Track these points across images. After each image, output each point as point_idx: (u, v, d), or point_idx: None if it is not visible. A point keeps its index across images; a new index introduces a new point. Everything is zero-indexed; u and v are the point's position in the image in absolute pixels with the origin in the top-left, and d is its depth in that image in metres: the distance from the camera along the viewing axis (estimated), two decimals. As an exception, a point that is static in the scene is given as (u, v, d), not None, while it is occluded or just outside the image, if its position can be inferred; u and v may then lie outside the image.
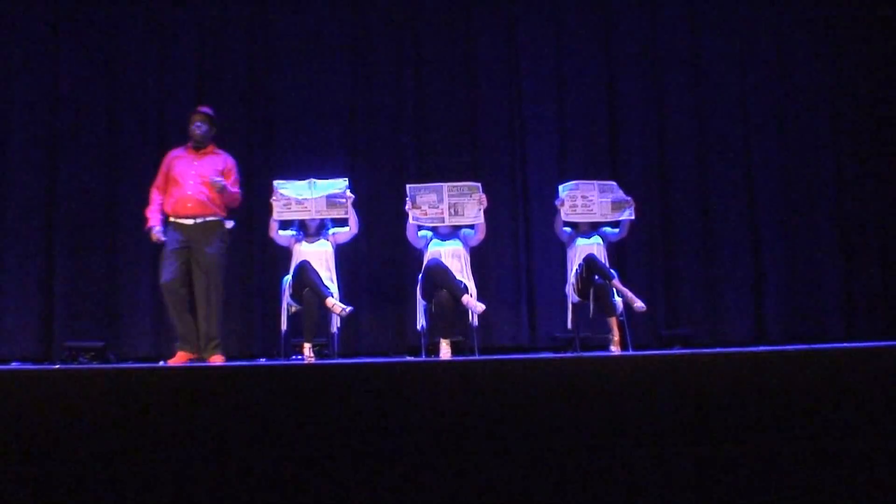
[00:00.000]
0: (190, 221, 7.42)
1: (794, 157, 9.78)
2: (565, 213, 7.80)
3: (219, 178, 7.42)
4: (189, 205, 7.41)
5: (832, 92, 9.85)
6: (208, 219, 7.46)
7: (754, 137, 9.78)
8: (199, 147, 7.58)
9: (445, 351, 7.28)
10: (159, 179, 7.58)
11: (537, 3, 9.95)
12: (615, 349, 7.55)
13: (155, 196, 7.54)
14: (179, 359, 7.36)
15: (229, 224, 7.61)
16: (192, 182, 7.44)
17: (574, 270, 7.84)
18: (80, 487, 4.33)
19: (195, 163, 7.52)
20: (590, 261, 7.69)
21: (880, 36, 9.90)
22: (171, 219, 7.46)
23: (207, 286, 7.42)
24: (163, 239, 7.42)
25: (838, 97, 9.84)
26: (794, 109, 9.84)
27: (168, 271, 7.38)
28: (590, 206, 7.82)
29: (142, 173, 9.21)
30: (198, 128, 7.58)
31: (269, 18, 9.77)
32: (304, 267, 7.39)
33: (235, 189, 7.62)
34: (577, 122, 9.78)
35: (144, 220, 7.56)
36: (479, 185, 7.63)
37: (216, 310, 7.46)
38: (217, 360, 7.33)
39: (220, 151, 7.72)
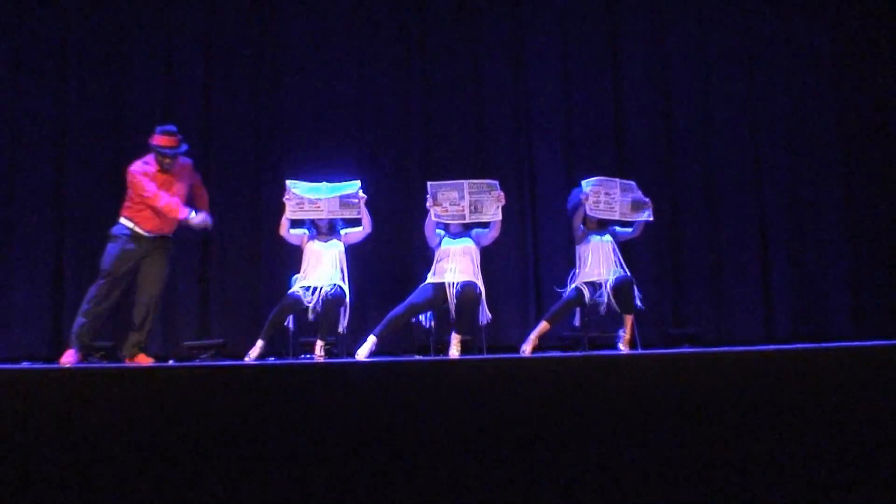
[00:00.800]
0: (150, 235, 7.51)
1: (802, 156, 9.77)
2: (589, 208, 7.78)
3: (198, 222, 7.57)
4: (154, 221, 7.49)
5: (840, 90, 9.84)
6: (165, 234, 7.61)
7: (761, 137, 9.78)
8: (168, 170, 7.55)
9: (456, 347, 7.29)
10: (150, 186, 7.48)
11: (544, 6, 9.95)
12: (624, 348, 7.55)
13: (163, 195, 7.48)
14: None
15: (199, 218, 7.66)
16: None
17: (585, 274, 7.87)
18: (89, 486, 4.34)
19: (166, 184, 7.52)
20: (620, 287, 7.72)
21: (888, 33, 9.89)
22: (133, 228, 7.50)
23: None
24: (209, 221, 7.66)
25: (846, 96, 9.83)
26: (802, 109, 9.83)
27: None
28: (612, 203, 7.82)
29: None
30: (169, 153, 7.51)
31: (276, 20, 9.79)
32: (332, 301, 7.52)
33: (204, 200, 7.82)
34: (584, 123, 9.79)
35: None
36: (497, 182, 7.65)
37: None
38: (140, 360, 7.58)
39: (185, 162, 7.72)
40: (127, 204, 7.49)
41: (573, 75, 9.86)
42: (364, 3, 9.84)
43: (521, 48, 9.87)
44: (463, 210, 7.57)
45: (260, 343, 7.40)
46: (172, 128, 7.59)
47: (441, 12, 9.87)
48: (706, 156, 9.73)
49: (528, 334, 7.69)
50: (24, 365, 7.72)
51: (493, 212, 7.58)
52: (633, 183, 7.98)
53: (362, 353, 7.26)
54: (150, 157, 7.51)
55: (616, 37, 9.93)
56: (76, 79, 9.54)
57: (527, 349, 7.60)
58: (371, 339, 7.35)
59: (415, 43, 9.81)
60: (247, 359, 7.35)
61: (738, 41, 9.90)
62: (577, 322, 7.92)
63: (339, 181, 7.74)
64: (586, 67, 9.88)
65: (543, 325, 7.68)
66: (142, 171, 7.46)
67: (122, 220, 7.48)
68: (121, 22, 9.65)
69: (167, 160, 7.46)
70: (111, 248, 7.43)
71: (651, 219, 7.94)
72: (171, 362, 8.17)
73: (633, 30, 9.93)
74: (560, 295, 7.97)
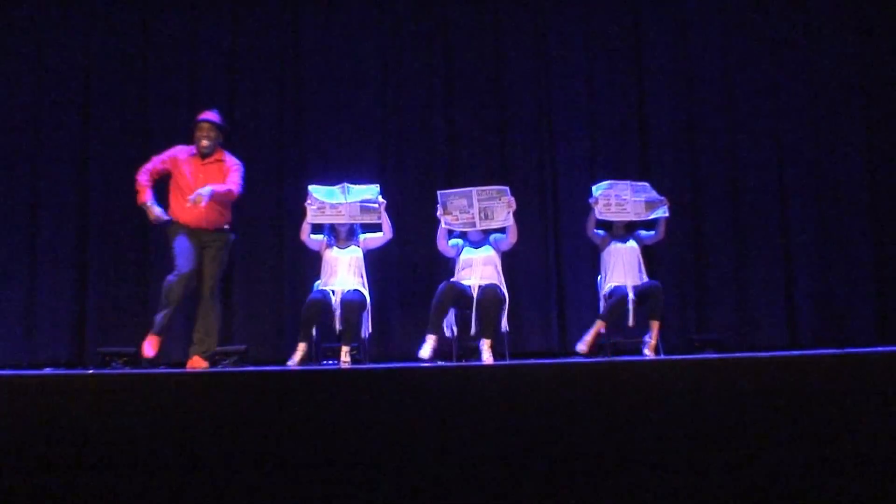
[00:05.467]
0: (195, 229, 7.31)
1: (826, 162, 9.71)
2: (599, 212, 7.81)
3: (196, 195, 7.12)
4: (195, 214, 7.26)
5: (864, 97, 9.77)
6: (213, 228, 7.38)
7: (785, 141, 9.72)
8: (206, 155, 7.42)
9: (487, 352, 7.27)
10: (156, 166, 7.40)
11: (567, 9, 9.93)
12: (650, 354, 7.53)
13: (145, 177, 7.36)
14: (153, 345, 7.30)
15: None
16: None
17: (609, 287, 7.85)
18: (112, 491, 4.35)
19: (201, 174, 7.35)
20: (648, 293, 7.71)
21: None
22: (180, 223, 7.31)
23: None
24: (164, 218, 7.30)
25: (871, 102, 9.76)
26: (826, 114, 9.77)
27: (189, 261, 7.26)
28: (623, 205, 7.83)
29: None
30: (205, 137, 7.41)
31: (300, 27, 9.81)
32: (352, 306, 7.50)
33: (224, 188, 7.36)
34: (607, 126, 9.76)
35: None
36: (507, 188, 7.64)
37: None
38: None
39: (226, 156, 7.55)
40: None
41: (597, 79, 9.84)
42: (387, 9, 9.84)
43: (544, 52, 9.85)
44: (472, 218, 7.58)
45: (302, 346, 7.40)
46: (207, 117, 7.54)
47: (464, 16, 9.86)
48: (730, 160, 9.68)
49: (584, 335, 7.68)
50: (47, 371, 7.74)
51: (503, 217, 7.59)
52: (646, 184, 7.99)
53: (426, 354, 7.25)
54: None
55: (640, 40, 9.89)
56: (100, 89, 9.59)
57: (583, 349, 7.60)
58: (431, 338, 7.33)
59: (437, 47, 9.80)
60: (290, 363, 7.35)
61: (763, 44, 9.85)
62: (601, 330, 7.90)
63: (363, 185, 7.75)
64: (610, 71, 9.85)
65: (599, 324, 7.66)
66: (176, 154, 7.48)
67: None
68: (145, 33, 9.70)
69: (199, 149, 7.44)
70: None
71: (667, 215, 7.94)
72: (91, 371, 8.16)
73: (656, 31, 9.88)
74: (586, 303, 7.98)
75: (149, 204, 7.27)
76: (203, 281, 7.33)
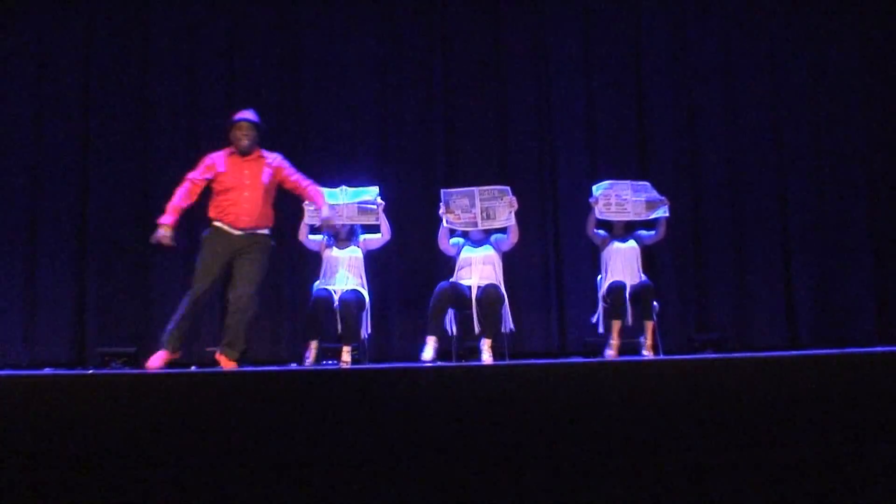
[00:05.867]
0: (239, 232, 7.09)
1: (826, 160, 9.72)
2: (599, 212, 7.82)
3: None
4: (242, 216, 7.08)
5: (865, 95, 9.79)
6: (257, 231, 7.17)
7: (785, 141, 9.73)
8: (245, 153, 7.23)
9: (487, 352, 7.28)
10: (196, 182, 7.20)
11: (565, 7, 9.93)
12: (648, 353, 7.53)
13: (184, 200, 7.18)
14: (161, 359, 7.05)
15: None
16: (247, 193, 7.10)
17: (606, 286, 7.86)
18: (111, 491, 4.34)
19: (245, 170, 7.17)
20: (639, 294, 7.71)
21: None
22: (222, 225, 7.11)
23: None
24: (170, 244, 7.12)
25: (871, 100, 9.77)
26: (827, 114, 9.78)
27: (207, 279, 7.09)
28: (624, 205, 7.84)
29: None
30: (245, 136, 7.22)
31: (299, 27, 9.81)
32: (351, 306, 7.48)
33: (305, 183, 7.30)
34: (607, 127, 9.77)
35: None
36: (509, 188, 7.65)
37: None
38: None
39: (265, 153, 7.35)
40: None
41: (596, 79, 9.85)
42: (386, 9, 9.85)
43: (544, 51, 9.86)
44: (475, 217, 7.59)
45: (314, 344, 7.46)
46: (245, 117, 7.36)
47: (463, 17, 9.87)
48: (729, 160, 9.70)
49: (608, 340, 7.71)
50: (47, 371, 7.73)
51: (505, 217, 7.60)
52: (646, 183, 8.01)
53: (428, 356, 7.24)
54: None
55: (639, 41, 9.91)
56: (99, 91, 9.60)
57: (612, 353, 7.63)
58: (431, 340, 7.32)
59: (437, 48, 9.81)
60: (307, 362, 7.37)
61: (763, 44, 9.86)
62: (601, 329, 7.91)
63: (362, 186, 7.76)
64: (609, 71, 9.86)
65: (616, 325, 7.67)
66: (213, 160, 7.29)
67: None
68: (144, 34, 9.70)
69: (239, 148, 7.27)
70: None
71: (667, 215, 7.95)
72: (193, 368, 8.16)
73: (656, 32, 9.90)
74: (586, 303, 7.98)
75: (168, 228, 7.09)
76: (240, 284, 7.09)
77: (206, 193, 7.25)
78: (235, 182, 7.11)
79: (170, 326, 7.07)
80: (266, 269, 7.24)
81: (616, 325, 7.65)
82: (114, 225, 9.35)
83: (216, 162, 7.20)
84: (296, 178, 7.31)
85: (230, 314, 7.12)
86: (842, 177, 9.69)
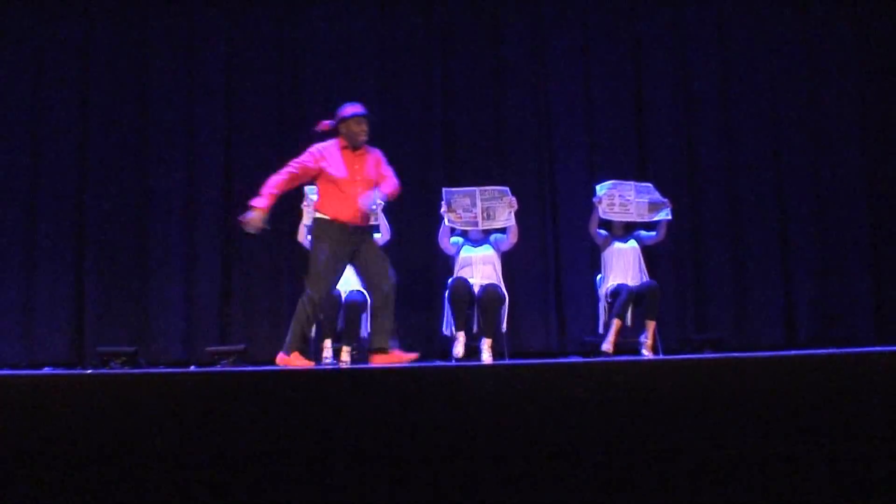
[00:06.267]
0: (352, 227, 6.89)
1: (824, 161, 9.75)
2: (602, 211, 7.83)
3: (372, 202, 6.93)
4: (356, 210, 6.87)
5: (862, 97, 9.82)
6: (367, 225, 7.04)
7: (784, 141, 9.75)
8: (358, 148, 7.04)
9: (487, 352, 7.29)
10: (306, 168, 6.97)
11: (565, 10, 9.94)
12: (648, 353, 7.54)
13: (282, 184, 6.98)
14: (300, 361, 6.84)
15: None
16: (360, 189, 6.89)
17: (606, 289, 7.87)
18: (111, 492, 4.35)
19: (356, 164, 6.97)
20: (646, 293, 7.71)
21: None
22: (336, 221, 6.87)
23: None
24: (262, 227, 6.90)
25: (868, 102, 9.80)
26: (824, 114, 9.81)
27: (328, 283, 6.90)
28: (627, 205, 7.85)
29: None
30: (364, 132, 7.00)
31: (297, 28, 9.81)
32: (353, 307, 7.46)
33: (391, 188, 7.08)
34: (606, 127, 9.79)
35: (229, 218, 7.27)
36: (508, 189, 7.67)
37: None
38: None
39: (369, 148, 7.14)
40: None
41: (595, 79, 9.87)
42: (386, 9, 9.85)
43: (542, 53, 9.87)
44: (476, 217, 7.61)
45: (328, 342, 7.51)
46: (362, 111, 7.10)
47: (463, 17, 9.87)
48: (728, 161, 9.71)
49: (606, 335, 7.68)
50: (46, 371, 7.74)
51: (505, 217, 7.62)
52: (649, 185, 8.01)
53: (459, 352, 7.29)
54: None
55: (638, 41, 9.93)
56: (99, 89, 9.60)
57: (609, 348, 7.62)
58: (460, 335, 7.38)
59: (436, 48, 9.82)
60: (326, 360, 7.41)
61: (761, 46, 9.88)
62: (600, 328, 7.92)
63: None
64: (608, 72, 9.88)
65: (617, 323, 7.67)
66: (322, 152, 7.03)
67: None
68: (144, 33, 9.70)
69: (356, 142, 7.02)
70: None
71: (670, 217, 7.96)
72: (192, 368, 8.18)
73: (655, 33, 9.92)
74: (585, 303, 7.99)
75: (262, 212, 6.88)
76: (379, 277, 6.92)
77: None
78: (349, 176, 6.90)
79: (292, 337, 6.85)
80: None
81: (617, 323, 7.65)
82: (112, 225, 9.35)
83: (326, 154, 6.97)
84: (388, 175, 7.11)
85: (379, 309, 6.93)
86: (840, 177, 9.71)
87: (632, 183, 7.95)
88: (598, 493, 4.36)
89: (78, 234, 9.43)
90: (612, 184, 7.92)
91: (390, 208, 7.93)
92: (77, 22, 9.70)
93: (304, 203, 7.61)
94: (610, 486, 4.37)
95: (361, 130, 6.97)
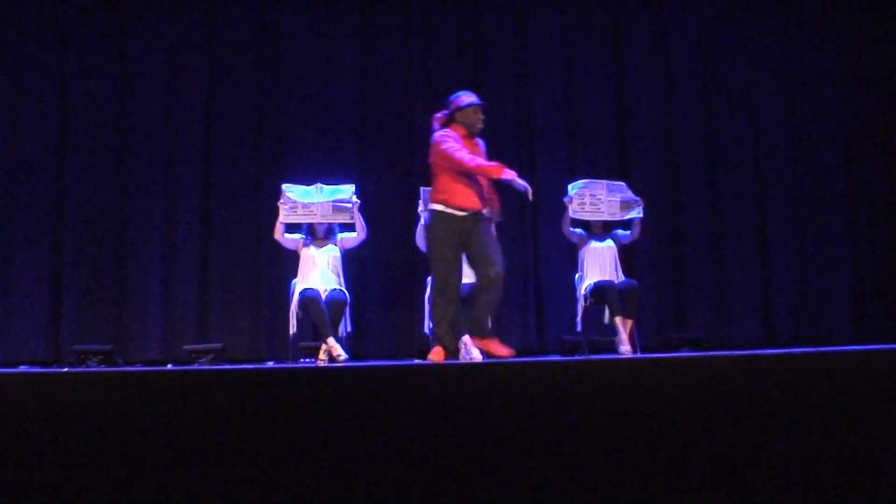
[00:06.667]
0: (465, 214, 6.79)
1: (803, 160, 9.81)
2: (573, 211, 7.83)
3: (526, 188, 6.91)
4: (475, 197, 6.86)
5: (842, 96, 9.87)
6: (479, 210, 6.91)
7: (763, 140, 9.79)
8: (473, 136, 7.00)
9: (476, 351, 7.19)
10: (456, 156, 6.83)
11: (547, 7, 9.95)
12: (626, 351, 7.53)
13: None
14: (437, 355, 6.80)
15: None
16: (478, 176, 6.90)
17: (585, 287, 7.88)
18: (85, 491, 4.33)
19: (475, 153, 6.94)
20: (626, 293, 7.71)
21: (891, 36, 9.92)
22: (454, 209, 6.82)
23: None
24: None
25: (848, 101, 9.86)
26: (804, 112, 9.87)
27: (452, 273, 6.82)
28: (598, 204, 7.85)
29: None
30: (481, 120, 6.98)
31: (279, 26, 9.77)
32: (313, 300, 7.39)
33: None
34: (586, 125, 9.81)
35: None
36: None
37: None
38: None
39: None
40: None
41: (576, 78, 9.88)
42: (367, 7, 9.83)
43: (524, 51, 9.88)
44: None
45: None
46: (478, 100, 7.03)
47: (443, 14, 9.87)
48: (707, 160, 9.75)
49: (619, 336, 7.65)
50: (23, 369, 7.70)
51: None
52: (622, 183, 8.02)
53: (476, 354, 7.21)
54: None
55: (619, 39, 9.95)
56: (78, 83, 9.51)
57: (628, 348, 7.60)
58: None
59: (417, 47, 9.80)
60: (342, 357, 7.27)
61: (741, 42, 9.92)
62: (578, 327, 7.92)
63: (338, 185, 7.74)
64: (589, 70, 9.90)
65: (619, 321, 7.67)
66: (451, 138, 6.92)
67: None
68: (123, 27, 9.63)
69: (474, 130, 6.99)
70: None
71: (641, 215, 7.96)
72: (169, 366, 8.15)
73: (636, 33, 9.95)
74: (565, 300, 8.00)
75: (512, 174, 6.88)
76: (491, 264, 6.76)
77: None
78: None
79: (437, 328, 6.81)
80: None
81: (618, 320, 7.63)
82: (90, 223, 9.29)
83: (457, 142, 6.92)
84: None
85: (483, 297, 6.80)
86: (819, 177, 9.77)
87: (603, 182, 7.96)
88: (577, 490, 4.36)
89: (55, 232, 9.36)
90: (584, 183, 7.92)
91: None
92: (56, 10, 9.60)
93: (281, 201, 7.59)
94: (588, 483, 4.37)
95: (478, 119, 6.96)
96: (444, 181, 6.82)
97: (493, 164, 6.84)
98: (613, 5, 9.98)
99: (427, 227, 6.85)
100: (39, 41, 9.58)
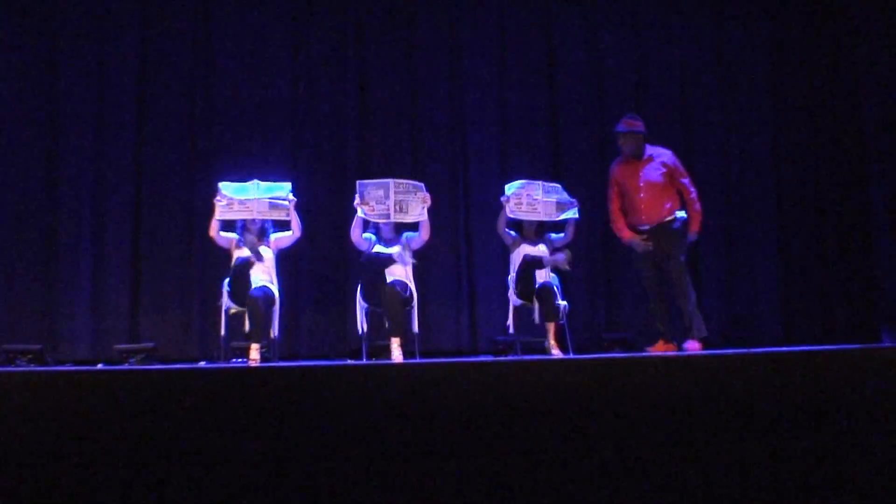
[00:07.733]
0: (646, 227, 7.75)
1: (734, 163, 9.97)
2: (510, 211, 7.85)
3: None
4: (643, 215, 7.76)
5: (772, 103, 10.07)
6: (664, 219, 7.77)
7: (694, 144, 9.91)
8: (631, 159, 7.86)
9: (397, 350, 7.25)
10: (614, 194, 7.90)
11: (481, 4, 10.00)
12: (555, 352, 7.57)
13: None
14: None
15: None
16: (642, 195, 7.77)
17: (514, 272, 7.91)
18: (14, 491, 4.29)
19: (640, 172, 7.80)
20: (531, 263, 7.74)
21: (820, 46, 10.10)
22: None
23: None
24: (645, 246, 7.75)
25: (779, 109, 10.06)
26: (734, 117, 10.04)
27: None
28: (535, 205, 7.88)
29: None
30: (624, 145, 7.87)
31: (212, 18, 9.71)
32: (245, 266, 7.37)
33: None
34: (519, 124, 9.88)
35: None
36: (423, 184, 7.68)
37: None
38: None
39: (655, 151, 7.95)
40: None
41: (510, 79, 9.93)
42: (302, 2, 9.80)
43: (458, 49, 9.91)
44: (388, 209, 7.57)
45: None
46: (625, 126, 7.94)
47: (379, 10, 9.88)
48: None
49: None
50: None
51: (418, 212, 7.61)
52: (558, 185, 8.07)
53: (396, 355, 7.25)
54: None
55: (552, 42, 10.03)
56: (5, 78, 9.37)
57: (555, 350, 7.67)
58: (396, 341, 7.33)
59: (351, 40, 9.79)
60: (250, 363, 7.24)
61: (674, 41, 10.09)
62: (511, 329, 7.95)
63: (273, 181, 7.70)
64: (523, 70, 9.95)
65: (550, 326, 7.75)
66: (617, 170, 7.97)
67: None
68: (52, 29, 9.48)
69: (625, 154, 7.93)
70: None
71: (577, 216, 8.02)
72: (100, 366, 8.09)
73: (568, 30, 10.04)
74: (497, 301, 8.04)
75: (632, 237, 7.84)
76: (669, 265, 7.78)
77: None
78: (630, 185, 7.88)
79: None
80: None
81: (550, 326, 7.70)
82: (19, 221, 9.16)
83: (616, 172, 7.99)
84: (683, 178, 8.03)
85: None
86: (750, 180, 9.93)
87: (540, 182, 8.00)
88: (508, 491, 4.39)
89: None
90: (522, 184, 7.96)
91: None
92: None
93: (217, 198, 7.54)
94: (517, 483, 4.41)
95: (622, 144, 7.91)
96: None
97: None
98: (546, 6, 10.05)
99: None
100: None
